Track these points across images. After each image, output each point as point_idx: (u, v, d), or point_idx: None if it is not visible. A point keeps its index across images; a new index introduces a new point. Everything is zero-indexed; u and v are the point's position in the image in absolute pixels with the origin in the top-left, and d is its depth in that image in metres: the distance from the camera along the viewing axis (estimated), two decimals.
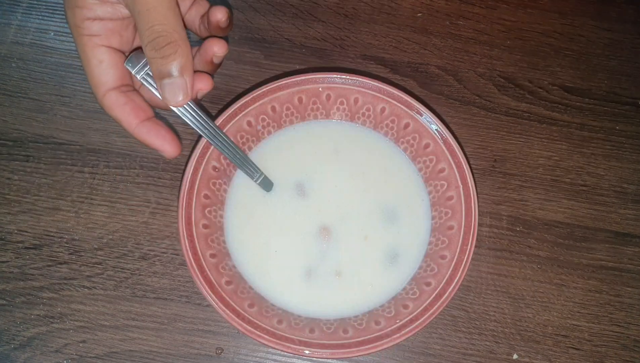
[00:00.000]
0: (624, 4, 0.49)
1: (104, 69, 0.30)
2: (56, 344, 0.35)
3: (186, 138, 0.41)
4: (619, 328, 0.37)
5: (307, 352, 0.31)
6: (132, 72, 0.29)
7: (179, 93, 0.28)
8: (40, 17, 0.45)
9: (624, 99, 0.45)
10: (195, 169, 0.35)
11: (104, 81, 0.30)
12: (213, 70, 0.33)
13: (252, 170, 0.35)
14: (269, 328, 0.31)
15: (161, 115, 0.39)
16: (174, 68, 0.28)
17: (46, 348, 0.34)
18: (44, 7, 0.45)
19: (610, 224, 0.40)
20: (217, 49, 0.31)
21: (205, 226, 0.34)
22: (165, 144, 0.31)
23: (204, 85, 0.31)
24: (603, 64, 0.47)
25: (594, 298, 0.38)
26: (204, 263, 0.33)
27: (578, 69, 0.46)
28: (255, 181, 0.36)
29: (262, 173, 0.36)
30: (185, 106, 0.30)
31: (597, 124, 0.44)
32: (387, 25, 0.47)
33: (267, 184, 0.36)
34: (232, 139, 0.35)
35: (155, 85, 0.29)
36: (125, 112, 0.30)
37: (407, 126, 0.38)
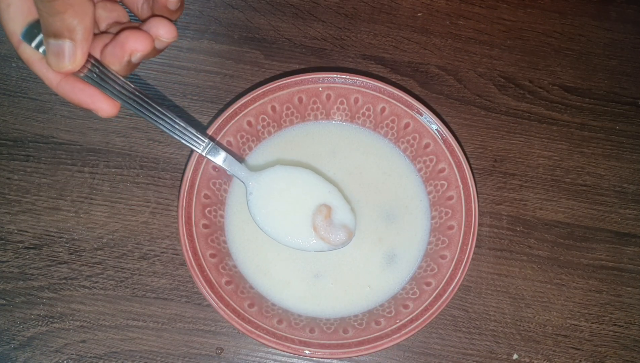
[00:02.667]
0: (624, 3, 0.49)
1: (12, 15, 0.25)
2: (56, 344, 0.35)
3: None
4: (619, 328, 0.37)
5: (307, 352, 0.31)
6: (31, 45, 0.25)
7: (63, 58, 0.24)
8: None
9: (624, 99, 0.45)
10: (195, 169, 0.35)
11: (11, 29, 0.25)
12: (154, 54, 0.27)
13: (195, 140, 0.31)
14: (269, 328, 0.31)
15: None
16: (62, 28, 0.24)
17: (46, 348, 0.34)
18: None
19: (611, 224, 0.40)
20: (163, 32, 0.26)
21: (205, 226, 0.34)
22: (97, 102, 0.26)
23: (139, 45, 0.25)
24: (603, 64, 0.47)
25: (594, 298, 0.38)
26: (204, 263, 0.33)
27: (578, 69, 0.46)
28: (204, 153, 0.32)
29: (209, 142, 0.32)
30: (97, 70, 0.25)
31: (597, 124, 0.44)
32: (387, 25, 0.47)
33: (219, 154, 0.32)
34: (229, 144, 0.34)
35: None
36: (44, 67, 0.26)
37: (407, 126, 0.38)
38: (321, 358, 0.31)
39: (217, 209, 0.36)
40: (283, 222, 0.34)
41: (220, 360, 0.35)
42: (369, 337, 0.32)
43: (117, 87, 0.27)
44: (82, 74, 0.26)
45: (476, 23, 0.48)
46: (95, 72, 0.26)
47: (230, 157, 0.33)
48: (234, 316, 0.31)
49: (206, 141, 0.32)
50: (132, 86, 0.27)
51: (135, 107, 0.28)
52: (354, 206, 0.37)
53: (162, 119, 0.29)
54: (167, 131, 0.30)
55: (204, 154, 0.32)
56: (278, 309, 0.34)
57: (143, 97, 0.28)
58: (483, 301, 0.37)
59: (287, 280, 0.35)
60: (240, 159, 0.37)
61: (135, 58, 0.26)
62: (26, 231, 0.38)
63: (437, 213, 0.37)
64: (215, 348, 0.35)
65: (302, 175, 0.34)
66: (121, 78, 0.27)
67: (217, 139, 0.36)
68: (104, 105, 0.27)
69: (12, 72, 0.43)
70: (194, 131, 0.31)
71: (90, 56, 0.26)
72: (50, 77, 0.26)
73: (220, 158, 0.33)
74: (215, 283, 0.32)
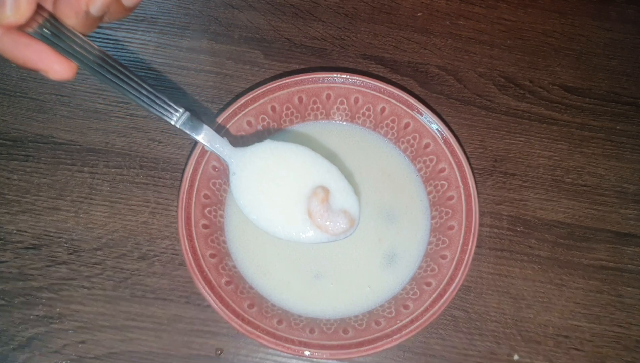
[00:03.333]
0: (624, 3, 0.49)
1: None
2: (55, 345, 0.34)
3: (185, 138, 0.41)
4: (620, 328, 0.37)
5: (307, 352, 0.31)
6: None
7: (3, 7, 0.20)
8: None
9: (624, 98, 0.45)
10: (195, 169, 0.34)
11: None
12: (122, 13, 0.24)
13: (167, 109, 0.27)
14: (269, 328, 0.31)
15: None
16: None
17: (45, 349, 0.34)
18: None
19: (611, 225, 0.40)
20: None
21: (205, 226, 0.34)
22: (46, 60, 0.22)
23: None
24: (603, 64, 0.47)
25: (595, 298, 0.38)
26: (203, 263, 0.32)
27: (578, 69, 0.46)
28: (177, 125, 0.28)
29: (183, 112, 0.28)
30: (49, 26, 0.22)
31: (598, 123, 0.44)
32: (387, 25, 0.47)
33: (197, 127, 0.28)
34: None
35: None
36: None
37: (407, 125, 0.38)
38: (321, 359, 0.31)
39: (217, 209, 0.36)
40: (272, 208, 0.29)
41: (220, 360, 0.35)
42: (369, 337, 0.32)
43: (75, 46, 0.23)
44: (30, 30, 0.22)
45: (476, 23, 0.48)
46: (48, 27, 0.22)
47: (209, 130, 0.29)
48: (233, 317, 0.31)
49: (180, 110, 0.28)
50: (95, 46, 0.23)
51: (97, 70, 0.24)
52: None
53: (129, 85, 0.25)
54: (135, 98, 0.26)
55: (177, 125, 0.28)
56: (278, 309, 0.33)
57: (106, 58, 0.24)
58: (484, 302, 0.37)
59: (287, 280, 0.35)
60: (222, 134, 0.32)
61: (94, 9, 0.22)
62: (25, 232, 0.37)
63: (437, 213, 0.36)
64: (215, 349, 0.35)
65: (295, 152, 0.29)
66: (80, 36, 0.23)
67: None
68: (55, 65, 0.22)
69: (12, 72, 0.43)
70: (166, 99, 0.27)
71: (41, 8, 0.22)
72: None
73: (197, 132, 0.29)
74: (214, 283, 0.32)
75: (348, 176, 0.38)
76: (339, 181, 0.30)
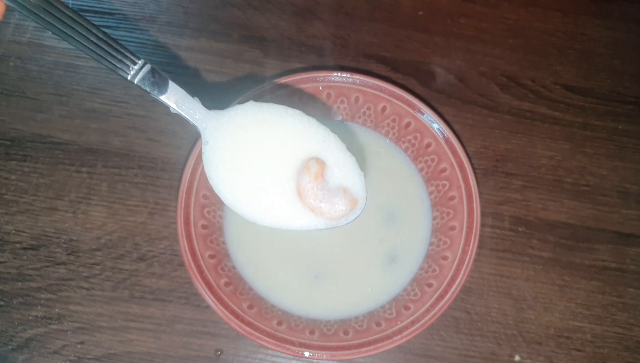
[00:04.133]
0: (626, 2, 0.49)
1: None
2: (54, 345, 0.34)
3: (184, 137, 0.40)
4: (621, 329, 0.37)
5: (307, 354, 0.30)
6: None
7: None
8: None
9: (626, 98, 0.45)
10: (194, 169, 0.34)
11: None
12: None
13: (122, 61, 0.22)
14: (268, 330, 0.31)
15: None
16: None
17: (44, 350, 0.34)
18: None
19: (613, 225, 0.40)
20: None
21: (204, 227, 0.34)
22: None
23: None
24: (606, 63, 0.46)
25: (597, 299, 0.38)
26: (202, 263, 0.32)
27: (580, 68, 0.46)
28: (135, 80, 0.23)
29: (143, 64, 0.23)
30: None
31: (600, 123, 0.44)
32: (388, 23, 0.47)
33: (162, 85, 0.23)
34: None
35: None
36: None
37: (408, 125, 0.38)
38: (321, 360, 0.31)
39: (216, 209, 0.36)
40: (254, 187, 0.23)
41: (219, 362, 0.35)
42: (369, 338, 0.31)
43: None
44: None
45: (478, 22, 0.47)
46: None
47: (177, 88, 0.24)
48: (233, 318, 0.31)
49: (139, 62, 0.23)
50: None
51: (32, 10, 0.21)
52: None
53: (72, 29, 0.21)
54: (79, 45, 0.22)
55: (135, 81, 0.23)
56: (278, 310, 0.33)
57: None
58: (485, 303, 0.37)
59: (286, 281, 0.35)
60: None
61: None
62: (24, 232, 0.37)
63: (438, 213, 0.36)
64: (214, 350, 0.35)
65: (283, 116, 0.24)
66: None
67: None
68: None
69: (10, 71, 0.42)
70: (120, 48, 0.22)
71: None
72: None
73: (160, 89, 0.23)
74: (214, 284, 0.32)
75: None
76: (337, 152, 0.23)
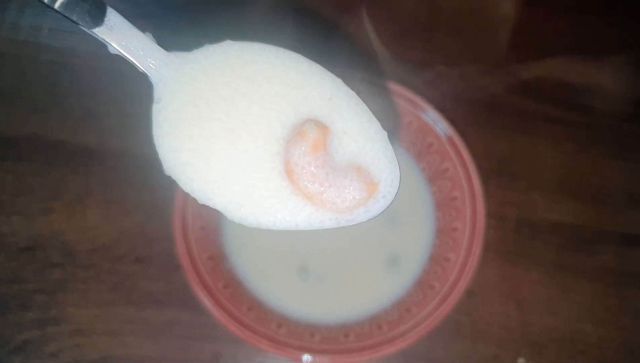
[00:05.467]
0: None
1: None
2: (50, 348, 0.34)
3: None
4: (626, 332, 0.36)
5: (307, 357, 0.30)
6: None
7: None
8: (34, 14, 0.44)
9: (631, 98, 0.44)
10: None
11: None
12: None
13: None
14: (268, 333, 0.31)
15: None
16: None
17: (40, 352, 0.34)
18: (37, 4, 0.44)
19: (618, 227, 0.39)
20: None
21: (201, 228, 0.33)
22: None
23: None
24: (610, 62, 0.46)
25: (601, 302, 0.37)
26: (200, 266, 0.32)
27: (585, 67, 0.45)
28: (54, 4, 0.17)
29: None
30: None
31: (605, 123, 0.43)
32: (389, 20, 0.46)
33: (97, 14, 0.17)
34: None
35: None
36: None
37: (410, 124, 0.37)
38: None
39: (214, 210, 0.35)
40: (223, 164, 0.17)
41: None
42: (370, 342, 0.31)
43: None
44: None
45: (481, 20, 0.47)
46: None
47: (118, 17, 0.17)
48: (231, 321, 0.30)
49: None
50: None
51: None
52: None
53: None
54: None
55: (55, 6, 0.18)
56: (277, 313, 0.33)
57: None
58: (488, 306, 0.36)
59: (286, 283, 0.34)
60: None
61: None
62: (19, 233, 0.37)
63: (441, 214, 0.36)
64: (213, 353, 0.34)
65: (271, 60, 0.17)
66: None
67: None
68: None
69: (6, 70, 0.42)
70: None
71: None
72: None
73: (96, 21, 0.17)
74: (212, 286, 0.31)
75: None
76: (351, 114, 0.16)
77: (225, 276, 0.33)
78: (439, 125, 0.36)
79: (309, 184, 0.17)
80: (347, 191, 0.17)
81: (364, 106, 0.18)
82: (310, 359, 0.30)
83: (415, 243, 0.35)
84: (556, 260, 0.38)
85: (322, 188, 0.17)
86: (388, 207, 0.18)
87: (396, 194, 0.18)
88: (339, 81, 0.18)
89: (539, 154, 0.42)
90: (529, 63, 0.45)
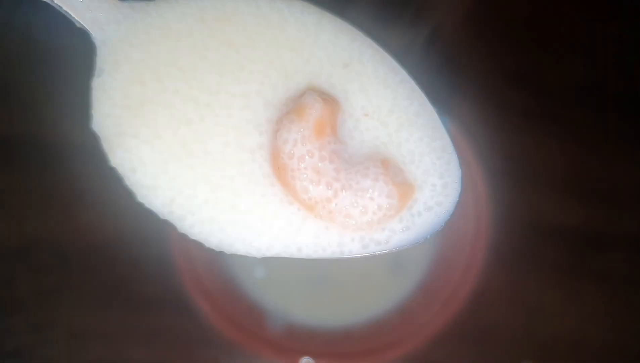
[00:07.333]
0: None
1: None
2: (44, 354, 0.33)
3: None
4: (633, 338, 0.36)
5: (307, 360, 0.29)
6: None
7: None
8: (28, 12, 0.43)
9: None
10: None
11: None
12: None
13: None
14: (267, 337, 0.30)
15: None
16: None
17: (34, 357, 0.33)
18: (31, 2, 0.43)
19: (626, 230, 0.39)
20: None
21: None
22: None
23: None
24: (620, 61, 0.45)
25: (608, 306, 0.36)
26: (198, 269, 0.31)
27: (594, 67, 0.44)
28: None
29: None
30: None
31: (614, 123, 0.42)
32: (392, 11, 0.45)
33: None
34: None
35: None
36: None
37: None
38: None
39: None
40: (180, 165, 0.13)
41: None
42: (372, 346, 0.30)
43: None
44: None
45: (486, 17, 0.46)
46: None
47: None
48: (229, 326, 0.30)
49: None
50: None
51: None
52: None
53: None
54: None
55: None
56: (277, 317, 0.32)
57: None
58: (493, 309, 0.36)
59: (287, 287, 0.33)
60: None
61: None
62: (12, 237, 0.36)
63: None
64: (210, 358, 0.34)
65: (262, 7, 0.12)
66: None
67: None
68: None
69: None
70: None
71: None
72: None
73: None
74: (210, 290, 0.31)
75: None
76: (376, 84, 0.12)
77: (224, 279, 0.32)
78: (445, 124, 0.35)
79: (310, 186, 0.12)
80: (368, 195, 0.12)
81: (402, 75, 0.13)
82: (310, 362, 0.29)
83: (419, 246, 0.35)
84: (563, 263, 0.37)
85: (331, 192, 0.12)
86: (440, 226, 0.12)
87: (455, 205, 0.12)
88: (361, 38, 0.12)
89: (546, 154, 0.41)
90: (536, 61, 0.44)
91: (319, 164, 0.12)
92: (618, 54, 0.45)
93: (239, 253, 0.14)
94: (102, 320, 0.34)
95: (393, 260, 0.34)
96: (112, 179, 0.41)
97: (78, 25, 0.14)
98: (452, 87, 0.43)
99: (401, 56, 0.13)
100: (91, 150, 0.42)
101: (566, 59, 0.45)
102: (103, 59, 0.14)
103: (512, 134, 0.41)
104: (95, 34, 0.14)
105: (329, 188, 0.12)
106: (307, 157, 0.12)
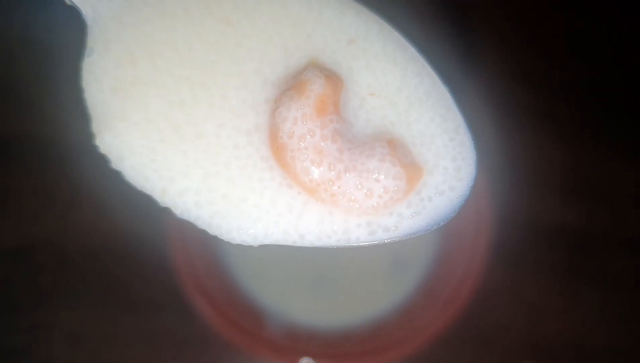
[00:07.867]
0: None
1: None
2: (42, 354, 0.33)
3: None
4: (636, 339, 0.35)
5: (307, 361, 0.29)
6: None
7: None
8: (27, 10, 0.43)
9: None
10: None
11: None
12: None
13: None
14: (266, 338, 0.30)
15: None
16: None
17: (32, 358, 0.33)
18: (30, 1, 0.43)
19: (628, 230, 0.38)
20: None
21: (197, 230, 0.32)
22: None
23: None
24: (622, 60, 0.45)
25: (611, 308, 0.36)
26: (197, 270, 0.31)
27: (596, 65, 0.44)
28: None
29: None
30: None
31: (617, 123, 0.42)
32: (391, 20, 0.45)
33: None
34: None
35: None
36: None
37: None
38: None
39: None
40: (172, 149, 0.12)
41: None
42: (372, 347, 0.30)
43: None
44: None
45: (489, 16, 0.46)
46: None
47: None
48: (229, 327, 0.29)
49: None
50: None
51: None
52: None
53: None
54: None
55: None
56: (276, 318, 0.32)
57: None
58: (494, 310, 0.35)
59: (285, 286, 0.33)
60: None
61: None
62: (10, 237, 0.36)
63: None
64: (209, 359, 0.34)
65: None
66: None
67: None
68: None
69: None
70: None
71: None
72: None
73: None
74: (208, 291, 0.30)
75: None
76: (384, 61, 0.11)
77: (222, 280, 0.32)
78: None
79: (311, 167, 0.11)
80: (373, 177, 0.11)
81: (412, 52, 0.12)
82: None
83: (420, 246, 0.34)
84: (565, 264, 0.37)
85: (333, 173, 0.11)
86: (453, 212, 0.11)
87: (470, 190, 0.12)
88: (366, 13, 0.12)
89: (549, 154, 0.41)
90: (538, 60, 0.44)
91: (321, 143, 0.11)
92: (618, 54, 0.45)
93: (234, 242, 0.12)
94: (101, 320, 0.34)
95: (393, 260, 0.34)
96: (112, 180, 0.41)
97: (69, 2, 0.13)
98: (454, 88, 0.43)
99: (410, 33, 0.13)
100: (91, 150, 0.42)
101: (567, 58, 0.45)
102: (94, 39, 0.13)
103: (513, 134, 0.41)
104: (86, 12, 0.13)
105: (332, 169, 0.11)
106: (307, 136, 0.11)
